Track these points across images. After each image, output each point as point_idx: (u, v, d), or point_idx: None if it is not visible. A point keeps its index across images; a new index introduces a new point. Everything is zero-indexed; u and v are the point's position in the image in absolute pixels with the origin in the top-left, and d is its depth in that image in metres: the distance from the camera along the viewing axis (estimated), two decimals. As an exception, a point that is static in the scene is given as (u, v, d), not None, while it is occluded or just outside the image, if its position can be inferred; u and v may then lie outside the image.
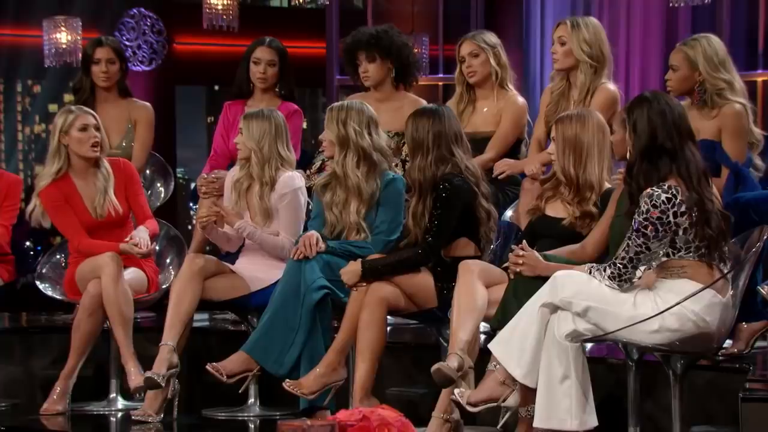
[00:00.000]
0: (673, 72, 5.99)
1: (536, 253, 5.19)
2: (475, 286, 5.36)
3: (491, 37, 6.81)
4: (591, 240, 5.40)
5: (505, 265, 5.34)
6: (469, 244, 5.74)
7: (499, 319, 5.14)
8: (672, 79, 5.99)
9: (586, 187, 5.51)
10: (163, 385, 5.91)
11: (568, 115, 5.59)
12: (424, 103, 6.71)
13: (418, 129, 5.73)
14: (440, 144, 5.70)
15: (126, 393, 6.42)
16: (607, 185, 5.54)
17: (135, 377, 6.09)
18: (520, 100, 6.80)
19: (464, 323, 5.29)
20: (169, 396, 6.03)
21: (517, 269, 5.18)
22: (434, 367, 5.20)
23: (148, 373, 5.91)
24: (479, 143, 6.58)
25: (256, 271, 6.20)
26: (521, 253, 5.18)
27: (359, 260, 5.72)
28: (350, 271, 5.71)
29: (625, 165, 5.08)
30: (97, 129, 6.43)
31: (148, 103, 7.36)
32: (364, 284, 5.68)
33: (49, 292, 6.70)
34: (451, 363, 5.18)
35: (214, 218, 6.18)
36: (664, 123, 4.85)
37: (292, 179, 6.20)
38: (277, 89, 7.07)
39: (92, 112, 6.51)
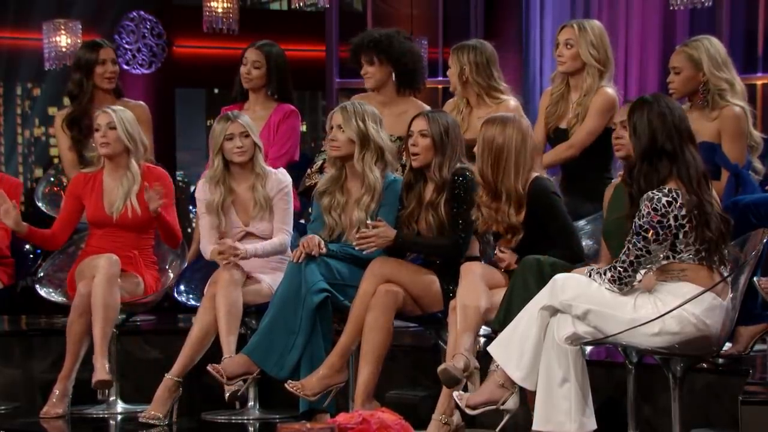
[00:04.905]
0: (675, 74, 5.97)
1: (512, 255, 5.36)
2: (478, 286, 5.37)
3: (466, 55, 6.69)
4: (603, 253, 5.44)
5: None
6: (474, 242, 5.76)
7: (501, 320, 5.14)
8: (675, 82, 5.97)
9: (503, 194, 5.46)
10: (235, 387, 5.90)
11: (492, 118, 5.58)
12: (429, 108, 6.69)
13: (448, 132, 5.74)
14: (461, 151, 5.74)
15: (126, 396, 6.44)
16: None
17: (100, 373, 6.12)
18: (512, 104, 6.74)
19: (468, 324, 5.29)
20: (174, 399, 6.05)
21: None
22: (441, 367, 5.21)
23: (228, 388, 5.83)
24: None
25: (272, 277, 6.24)
26: (500, 255, 5.41)
27: (395, 231, 5.72)
28: (385, 236, 5.70)
29: (623, 166, 5.09)
30: (112, 128, 6.47)
31: (143, 102, 7.39)
32: (373, 244, 5.68)
33: (49, 296, 6.71)
34: (458, 363, 5.19)
35: (236, 259, 6.15)
36: (664, 125, 4.85)
37: (281, 177, 6.28)
38: (268, 92, 7.11)
39: (109, 110, 6.53)
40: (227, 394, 5.84)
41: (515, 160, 5.43)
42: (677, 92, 5.95)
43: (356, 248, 5.78)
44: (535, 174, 5.50)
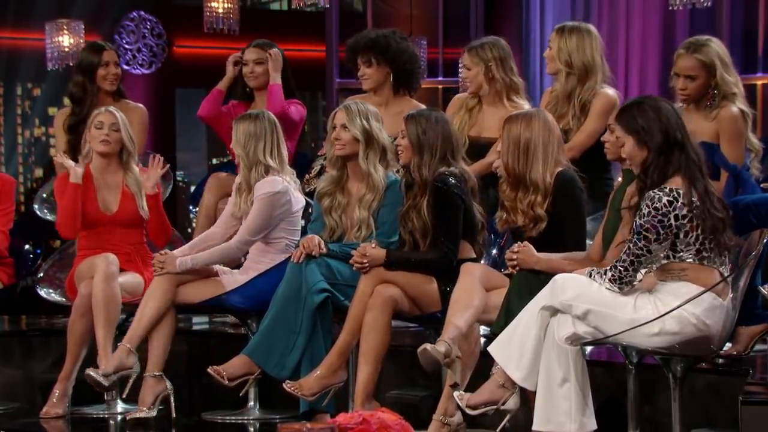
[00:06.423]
0: (690, 81, 5.91)
1: (531, 248, 5.28)
2: (474, 286, 5.38)
3: (489, 51, 6.70)
4: (596, 245, 5.41)
5: (508, 272, 5.39)
6: (468, 246, 5.75)
7: (501, 324, 5.14)
8: (689, 89, 5.91)
9: (530, 185, 5.45)
10: (106, 384, 6.00)
11: (515, 115, 5.58)
12: (421, 108, 6.68)
13: (426, 132, 5.72)
14: (445, 149, 5.71)
15: (126, 396, 6.44)
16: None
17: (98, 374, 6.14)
18: (526, 107, 6.74)
19: (458, 316, 5.31)
20: (157, 394, 6.08)
21: (514, 263, 5.28)
22: (421, 348, 5.22)
23: (88, 370, 6.02)
24: (482, 147, 6.58)
25: (234, 272, 6.28)
26: (516, 249, 5.30)
27: (385, 249, 5.72)
28: (374, 256, 5.69)
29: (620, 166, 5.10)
30: (116, 129, 6.51)
31: (141, 105, 7.41)
32: (367, 267, 5.67)
33: (49, 297, 6.71)
34: (439, 347, 5.20)
35: (162, 271, 6.20)
36: (669, 118, 4.88)
37: (265, 185, 6.17)
38: None
39: (115, 111, 6.56)
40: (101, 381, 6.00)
41: (543, 152, 5.44)
42: (690, 99, 5.93)
43: (354, 270, 5.77)
44: (561, 167, 5.50)
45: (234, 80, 7.29)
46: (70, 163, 6.47)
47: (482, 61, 6.70)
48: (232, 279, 6.23)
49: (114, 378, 6.05)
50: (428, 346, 5.21)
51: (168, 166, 6.67)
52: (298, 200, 6.29)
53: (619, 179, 5.68)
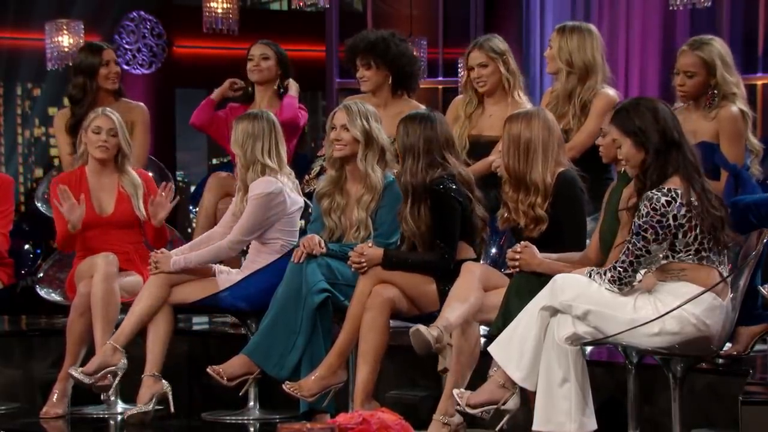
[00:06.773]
0: (688, 77, 5.91)
1: (534, 249, 5.26)
2: (472, 284, 5.39)
3: (499, 44, 6.70)
4: (593, 246, 5.41)
5: (509, 272, 5.39)
6: (467, 247, 5.74)
7: (500, 326, 5.14)
8: (687, 85, 5.93)
9: (531, 185, 5.45)
10: (88, 382, 6.02)
11: (515, 114, 5.59)
12: (420, 109, 6.68)
13: (409, 134, 5.72)
14: (431, 149, 5.69)
15: (126, 396, 6.44)
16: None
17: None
18: (528, 105, 6.75)
19: (453, 308, 5.33)
20: (154, 393, 6.07)
21: (516, 264, 5.26)
22: (413, 328, 5.23)
23: (70, 369, 6.04)
24: (483, 147, 6.57)
25: (232, 272, 6.28)
26: (518, 248, 5.28)
27: (383, 248, 5.72)
28: (372, 256, 5.69)
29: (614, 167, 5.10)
30: (114, 135, 6.48)
31: (142, 103, 7.41)
32: (365, 267, 5.67)
33: (49, 297, 6.71)
34: (432, 331, 5.21)
35: (157, 271, 6.22)
36: (666, 118, 4.88)
37: (259, 185, 6.15)
38: (276, 87, 7.17)
39: (111, 115, 6.54)
40: (93, 384, 6.03)
41: (543, 152, 5.43)
42: (688, 95, 5.93)
43: (351, 271, 5.77)
44: (562, 167, 5.50)
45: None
46: (68, 211, 6.36)
47: (498, 54, 6.68)
48: (227, 279, 6.23)
49: (97, 376, 6.04)
50: (421, 327, 5.22)
51: (178, 198, 6.66)
52: (295, 201, 6.27)
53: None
